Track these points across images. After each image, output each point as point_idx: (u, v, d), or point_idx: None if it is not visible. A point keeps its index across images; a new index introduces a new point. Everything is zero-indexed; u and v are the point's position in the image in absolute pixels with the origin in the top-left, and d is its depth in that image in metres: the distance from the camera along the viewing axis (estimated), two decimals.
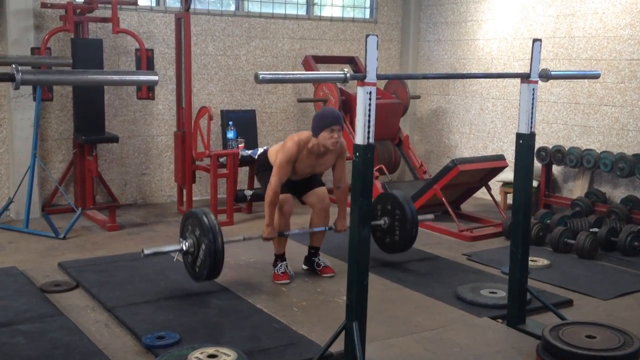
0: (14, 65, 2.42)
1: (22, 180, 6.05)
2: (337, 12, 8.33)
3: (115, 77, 2.92)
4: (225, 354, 3.37)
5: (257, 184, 7.14)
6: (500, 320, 4.07)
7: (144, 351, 3.61)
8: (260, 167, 4.91)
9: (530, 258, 4.27)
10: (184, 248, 4.19)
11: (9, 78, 2.40)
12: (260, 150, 6.67)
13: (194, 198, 6.81)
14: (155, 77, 2.81)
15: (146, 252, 4.23)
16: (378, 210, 5.06)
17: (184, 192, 6.77)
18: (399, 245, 5.09)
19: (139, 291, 4.47)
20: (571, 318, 3.91)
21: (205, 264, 4.14)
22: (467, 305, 4.30)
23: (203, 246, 4.08)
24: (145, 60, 6.34)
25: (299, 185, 4.81)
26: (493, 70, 7.67)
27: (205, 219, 4.11)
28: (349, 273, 3.23)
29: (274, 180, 4.49)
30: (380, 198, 5.16)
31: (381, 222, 4.99)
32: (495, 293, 4.44)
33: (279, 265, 4.79)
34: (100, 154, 6.73)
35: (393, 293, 4.58)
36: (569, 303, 4.43)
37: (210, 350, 3.42)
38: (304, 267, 5.01)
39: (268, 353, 3.57)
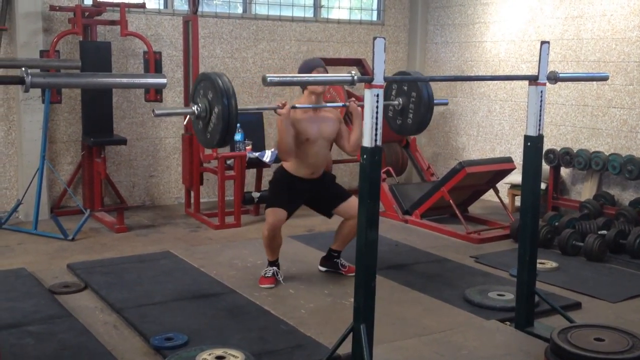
0: (23, 69, 2.43)
1: (31, 182, 6.08)
2: (344, 15, 8.33)
3: (124, 80, 2.93)
4: (234, 356, 3.38)
5: (264, 186, 7.18)
6: (508, 323, 4.05)
7: (152, 352, 3.63)
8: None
9: (538, 260, 4.25)
10: (196, 112, 3.88)
11: (19, 81, 2.42)
12: (267, 152, 6.70)
13: (201, 200, 6.82)
14: (163, 80, 2.82)
15: (157, 112, 4.01)
16: (394, 89, 4.60)
17: (192, 194, 6.79)
18: (410, 129, 4.65)
19: (147, 292, 4.48)
20: (580, 321, 3.90)
21: (218, 129, 3.72)
22: (475, 308, 4.29)
23: (216, 109, 3.68)
24: (153, 62, 6.36)
25: (315, 198, 4.75)
26: (501, 73, 7.66)
27: (219, 81, 3.68)
28: (356, 275, 3.24)
29: (280, 139, 4.45)
30: (397, 78, 4.70)
31: (396, 102, 4.55)
32: (504, 295, 4.43)
33: (267, 269, 4.74)
34: (109, 156, 6.76)
35: (401, 295, 4.58)
36: (577, 306, 4.41)
37: (218, 351, 3.43)
38: (321, 268, 5.00)
39: (276, 355, 3.57)
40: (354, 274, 4.73)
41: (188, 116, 4.22)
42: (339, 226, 4.88)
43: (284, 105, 4.30)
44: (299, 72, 4.65)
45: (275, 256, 4.76)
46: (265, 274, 4.73)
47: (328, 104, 4.82)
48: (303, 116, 4.54)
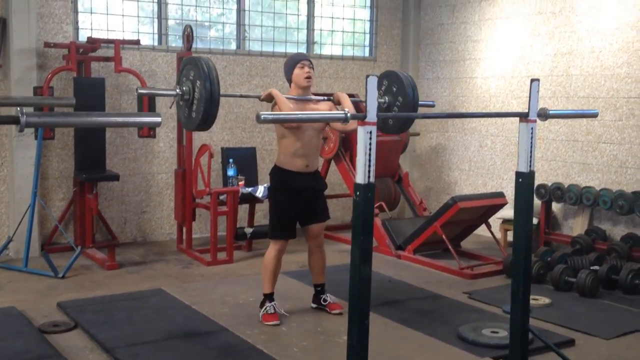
0: (18, 109, 2.43)
1: (22, 218, 6.05)
2: (337, 51, 8.42)
3: (119, 119, 2.93)
4: None
5: (257, 222, 7.17)
6: None
7: None
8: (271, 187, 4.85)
9: (531, 296, 4.23)
10: (179, 93, 3.84)
11: (14, 121, 2.42)
12: (260, 187, 6.71)
13: (193, 236, 6.80)
14: (158, 119, 2.82)
15: (140, 90, 3.97)
16: (383, 85, 4.59)
17: (184, 230, 6.76)
18: (391, 129, 4.68)
19: (138, 331, 4.43)
20: (574, 358, 3.87)
21: (200, 110, 3.73)
22: (469, 346, 4.27)
23: (197, 92, 3.72)
24: (147, 98, 6.38)
25: (306, 205, 4.69)
26: (492, 108, 7.73)
27: (203, 65, 3.71)
28: (349, 313, 3.21)
29: (280, 103, 4.45)
30: (387, 75, 4.66)
31: (382, 100, 4.53)
32: (497, 333, 4.40)
33: (268, 305, 4.69)
34: (101, 192, 6.74)
35: (394, 332, 4.55)
36: (571, 343, 4.39)
37: None
38: (313, 305, 4.97)
39: None
40: (338, 311, 4.78)
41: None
42: (309, 261, 4.92)
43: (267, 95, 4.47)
44: (285, 67, 4.67)
45: (273, 287, 4.74)
46: (267, 310, 4.67)
47: (314, 97, 4.78)
48: (293, 106, 4.52)
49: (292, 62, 4.63)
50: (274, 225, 4.73)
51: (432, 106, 5.15)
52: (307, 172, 4.67)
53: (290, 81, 4.65)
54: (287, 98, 4.52)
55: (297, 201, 4.66)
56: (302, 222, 4.80)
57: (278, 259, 4.69)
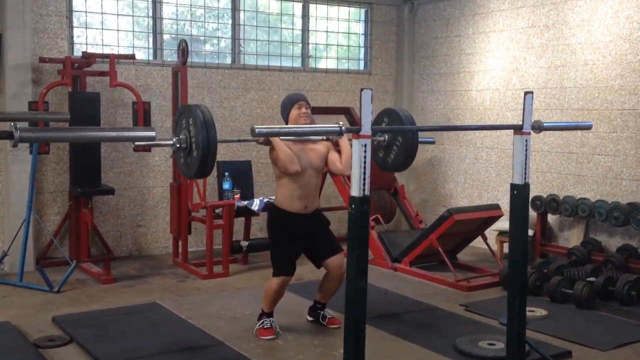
0: (12, 124, 2.44)
1: (17, 233, 6.03)
2: (332, 64, 8.46)
3: (113, 134, 2.95)
4: None
5: (253, 235, 7.16)
6: None
7: None
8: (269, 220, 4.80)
9: (528, 308, 4.24)
10: (177, 144, 3.79)
11: (8, 136, 2.42)
12: (256, 201, 6.70)
13: (189, 249, 6.78)
14: (152, 134, 2.83)
15: (137, 143, 3.85)
16: (384, 122, 4.35)
17: (180, 243, 6.75)
18: (390, 167, 4.44)
19: (133, 346, 4.41)
20: None
21: (197, 158, 3.61)
22: (466, 358, 4.26)
23: (194, 140, 3.62)
24: (142, 113, 6.39)
25: (312, 243, 4.69)
26: (486, 120, 7.75)
27: (198, 112, 3.62)
28: (345, 326, 3.20)
29: (280, 151, 4.42)
30: (386, 113, 4.43)
31: (381, 138, 4.32)
32: (494, 345, 4.40)
33: (265, 320, 4.67)
34: (96, 206, 6.73)
35: (391, 345, 4.53)
36: (568, 354, 4.39)
37: None
38: (309, 318, 4.96)
39: None
40: (336, 325, 4.76)
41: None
42: (323, 278, 4.85)
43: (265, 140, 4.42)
44: (282, 107, 4.70)
45: (273, 308, 4.71)
46: (263, 325, 4.65)
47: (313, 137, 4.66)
48: (292, 147, 4.50)
49: (289, 102, 4.62)
50: (276, 263, 4.64)
51: (433, 143, 5.07)
52: (305, 213, 4.59)
53: (286, 120, 4.62)
54: (285, 140, 4.47)
55: (297, 241, 4.62)
56: (318, 260, 4.74)
57: (281, 292, 4.65)
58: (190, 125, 3.66)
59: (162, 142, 4.11)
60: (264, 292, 4.72)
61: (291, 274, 4.63)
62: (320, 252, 4.71)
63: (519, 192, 3.81)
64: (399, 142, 4.33)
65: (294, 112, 4.56)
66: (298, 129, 4.12)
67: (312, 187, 4.61)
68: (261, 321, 4.67)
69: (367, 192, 3.07)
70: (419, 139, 4.36)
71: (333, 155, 4.63)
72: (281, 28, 8.10)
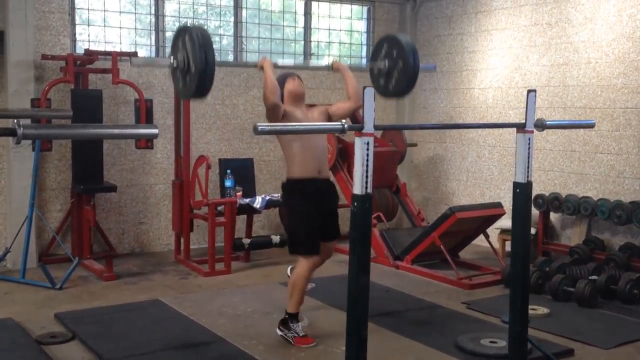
0: (15, 121, 2.44)
1: (20, 230, 6.04)
2: None
3: (116, 131, 2.95)
4: None
5: (254, 232, 7.17)
6: None
7: None
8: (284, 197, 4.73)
9: (529, 306, 4.23)
10: (174, 65, 3.80)
11: (11, 133, 2.42)
12: (258, 198, 6.71)
13: (191, 246, 6.79)
14: (155, 131, 2.83)
15: (134, 61, 3.89)
16: (383, 49, 4.39)
17: (182, 240, 6.75)
18: (391, 93, 4.45)
19: (135, 343, 4.42)
20: None
21: (195, 78, 3.65)
22: (468, 356, 4.26)
23: (192, 61, 3.63)
24: (144, 110, 6.39)
25: (325, 220, 4.54)
26: (489, 118, 7.75)
27: (195, 33, 3.61)
28: (347, 324, 3.21)
29: (267, 78, 4.41)
30: (386, 39, 4.47)
31: (381, 64, 4.35)
32: (496, 343, 4.40)
33: (296, 325, 4.46)
34: (98, 203, 6.73)
35: (393, 343, 4.53)
36: (570, 353, 4.39)
37: None
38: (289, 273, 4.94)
39: None
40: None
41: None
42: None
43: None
44: (279, 84, 4.62)
45: (300, 306, 4.53)
46: (298, 332, 4.45)
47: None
48: (295, 110, 4.50)
49: (282, 78, 4.63)
50: (302, 241, 4.47)
51: (434, 69, 4.89)
52: (319, 177, 4.49)
53: (282, 98, 4.56)
54: (289, 108, 4.47)
55: (317, 210, 4.45)
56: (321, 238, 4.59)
57: (309, 277, 4.52)
58: (187, 45, 3.62)
59: (160, 62, 3.97)
60: (290, 286, 4.53)
61: (318, 253, 4.45)
62: (326, 232, 4.57)
63: (522, 191, 3.81)
64: (399, 68, 4.27)
65: (288, 85, 4.58)
66: (300, 127, 4.11)
67: (321, 149, 4.53)
68: (293, 329, 4.46)
69: (369, 190, 3.07)
70: (420, 65, 4.28)
71: (334, 105, 4.69)
72: (283, 26, 8.10)
